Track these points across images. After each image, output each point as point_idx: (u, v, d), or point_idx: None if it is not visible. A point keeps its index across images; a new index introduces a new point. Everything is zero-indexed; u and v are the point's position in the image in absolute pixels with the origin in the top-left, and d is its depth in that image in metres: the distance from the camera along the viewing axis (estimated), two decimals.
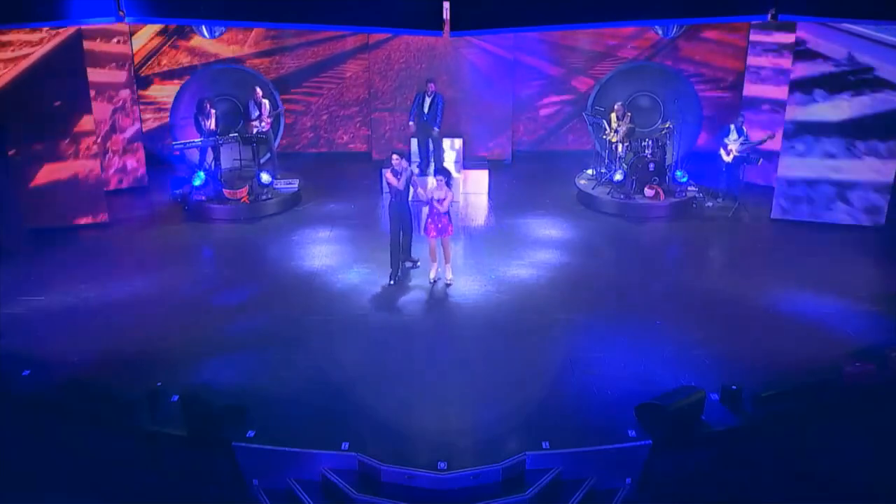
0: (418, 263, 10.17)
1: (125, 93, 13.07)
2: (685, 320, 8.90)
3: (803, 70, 11.28)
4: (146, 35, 14.13)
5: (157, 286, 9.83)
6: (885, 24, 10.13)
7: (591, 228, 11.89)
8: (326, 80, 15.07)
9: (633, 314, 9.07)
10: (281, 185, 12.98)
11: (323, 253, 10.95)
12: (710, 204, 12.60)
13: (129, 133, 13.22)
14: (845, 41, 10.97)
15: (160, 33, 14.27)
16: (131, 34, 13.39)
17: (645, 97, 14.02)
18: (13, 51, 10.92)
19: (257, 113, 12.90)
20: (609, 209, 12.43)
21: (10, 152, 10.99)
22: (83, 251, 10.92)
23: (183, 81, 14.17)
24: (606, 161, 13.16)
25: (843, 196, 11.55)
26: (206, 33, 13.41)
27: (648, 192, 12.41)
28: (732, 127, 12.36)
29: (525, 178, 14.18)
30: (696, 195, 12.66)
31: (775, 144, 12.02)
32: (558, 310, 9.23)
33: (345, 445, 6.74)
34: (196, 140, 12.66)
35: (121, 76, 12.98)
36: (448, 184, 9.50)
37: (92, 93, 11.98)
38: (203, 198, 12.40)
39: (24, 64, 11.00)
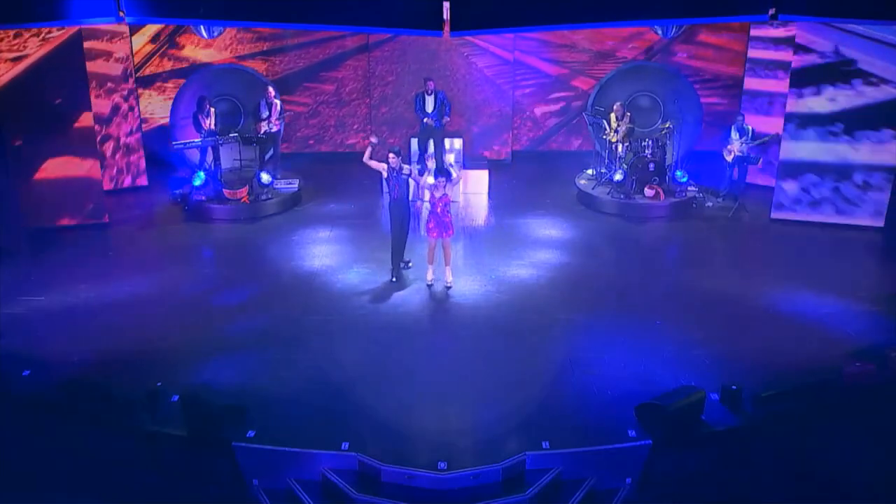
0: (410, 264, 10.16)
1: (125, 92, 13.07)
2: (685, 320, 8.90)
3: (801, 63, 11.31)
4: (137, 42, 14.08)
5: (157, 286, 9.82)
6: (885, 24, 10.13)
7: (591, 228, 11.89)
8: (326, 81, 15.07)
9: (633, 314, 9.06)
10: (281, 185, 12.98)
11: (323, 253, 10.95)
12: (710, 204, 12.60)
13: (129, 133, 13.22)
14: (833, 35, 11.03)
15: (152, 41, 14.23)
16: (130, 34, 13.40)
17: (645, 97, 14.02)
18: (11, 51, 10.93)
19: (267, 113, 12.89)
20: (609, 209, 12.43)
21: (17, 142, 10.95)
22: (83, 251, 10.92)
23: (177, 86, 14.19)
24: (606, 161, 13.16)
25: (843, 195, 11.57)
26: (204, 34, 13.41)
27: (648, 192, 12.41)
28: (733, 127, 12.37)
29: (525, 178, 14.17)
30: (696, 195, 12.66)
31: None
32: (558, 310, 9.23)
33: (345, 445, 6.74)
34: (196, 140, 12.65)
35: (121, 75, 12.98)
36: (447, 185, 9.48)
37: (92, 93, 11.98)
38: (203, 198, 12.40)
39: (24, 63, 11.00)
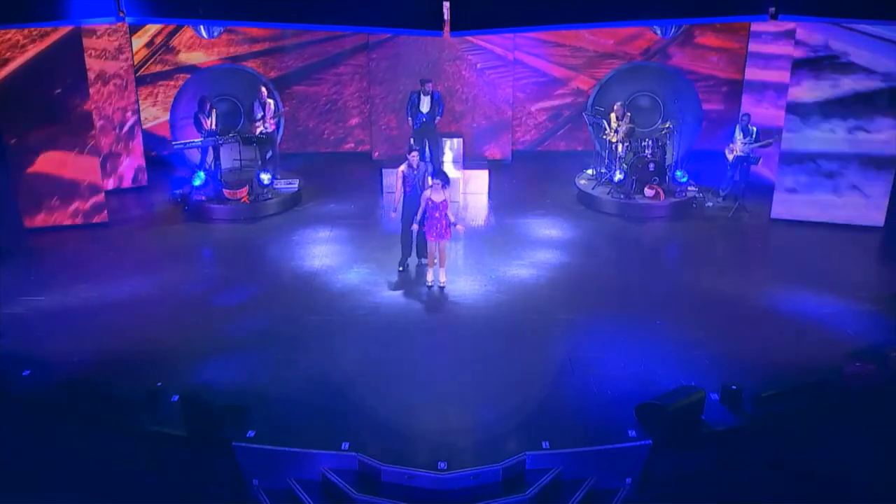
0: (423, 261, 10.16)
1: (126, 92, 13.07)
2: (685, 320, 8.90)
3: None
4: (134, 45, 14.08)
5: (157, 286, 9.82)
6: (886, 24, 10.13)
7: (591, 228, 11.89)
8: (326, 81, 15.06)
9: (633, 314, 9.06)
10: (281, 185, 12.98)
11: (323, 253, 10.95)
12: (710, 204, 12.60)
13: (129, 133, 13.22)
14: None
15: (147, 45, 14.22)
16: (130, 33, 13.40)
17: (645, 97, 14.02)
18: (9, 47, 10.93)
19: (261, 113, 12.88)
20: (609, 209, 12.43)
21: (12, 140, 10.95)
22: (83, 251, 10.92)
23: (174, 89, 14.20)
24: (606, 161, 13.16)
25: (844, 194, 11.57)
26: (204, 33, 13.41)
27: (648, 192, 12.41)
28: (738, 127, 12.37)
29: (525, 178, 14.18)
30: (697, 195, 12.66)
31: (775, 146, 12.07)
32: (558, 310, 9.23)
33: (345, 445, 6.74)
34: (196, 140, 12.65)
35: (121, 74, 12.98)
36: (445, 187, 9.48)
37: (92, 92, 11.99)
38: (203, 198, 12.40)
39: (22, 59, 10.98)
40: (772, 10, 7.08)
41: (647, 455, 6.78)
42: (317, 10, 7.40)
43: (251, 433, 6.86)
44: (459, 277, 9.96)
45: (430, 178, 9.72)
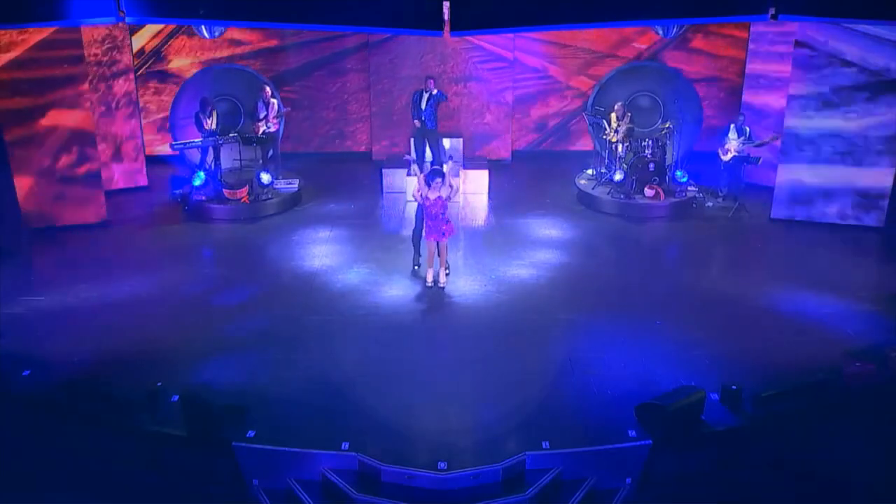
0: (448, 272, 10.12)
1: (126, 91, 13.07)
2: (685, 320, 8.90)
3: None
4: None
5: (157, 286, 9.82)
6: (886, 24, 10.13)
7: (591, 228, 11.89)
8: (326, 80, 15.06)
9: (633, 314, 9.06)
10: (281, 185, 12.99)
11: (323, 253, 10.95)
12: (710, 204, 12.61)
13: (128, 132, 13.22)
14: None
15: (138, 55, 14.22)
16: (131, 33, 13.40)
17: (645, 97, 14.02)
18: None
19: (265, 112, 12.88)
20: (609, 209, 12.44)
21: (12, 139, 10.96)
22: (83, 251, 10.92)
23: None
24: (606, 161, 13.16)
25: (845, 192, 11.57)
26: (205, 33, 13.40)
27: (648, 192, 12.41)
28: (732, 126, 12.37)
29: (525, 178, 14.18)
30: (696, 195, 12.67)
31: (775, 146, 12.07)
32: (558, 310, 9.23)
33: (345, 445, 6.74)
34: (196, 140, 12.65)
35: (122, 74, 12.99)
36: (443, 187, 9.41)
37: (91, 91, 12.00)
38: (203, 198, 12.40)
39: (18, 51, 10.98)
40: (772, 10, 7.08)
41: (647, 455, 6.78)
42: (317, 10, 7.40)
43: (251, 433, 6.86)
44: (459, 277, 9.96)
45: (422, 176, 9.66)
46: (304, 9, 7.39)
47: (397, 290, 9.74)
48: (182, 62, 14.58)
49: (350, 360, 8.12)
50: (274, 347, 8.38)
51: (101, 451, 7.16)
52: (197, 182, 12.46)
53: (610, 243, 11.36)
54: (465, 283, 9.88)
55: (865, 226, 11.47)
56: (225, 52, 14.63)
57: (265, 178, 12.67)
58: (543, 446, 6.73)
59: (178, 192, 12.72)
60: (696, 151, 13.59)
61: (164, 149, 14.01)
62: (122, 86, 13.02)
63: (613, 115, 12.84)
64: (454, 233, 9.71)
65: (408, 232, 10.68)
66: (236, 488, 6.81)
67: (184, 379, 7.58)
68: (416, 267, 10.11)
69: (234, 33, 14.39)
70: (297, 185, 13.04)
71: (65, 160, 11.49)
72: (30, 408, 7.42)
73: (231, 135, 12.77)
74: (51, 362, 7.94)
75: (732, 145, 12.29)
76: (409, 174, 12.92)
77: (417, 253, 10.13)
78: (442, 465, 6.48)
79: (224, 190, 12.32)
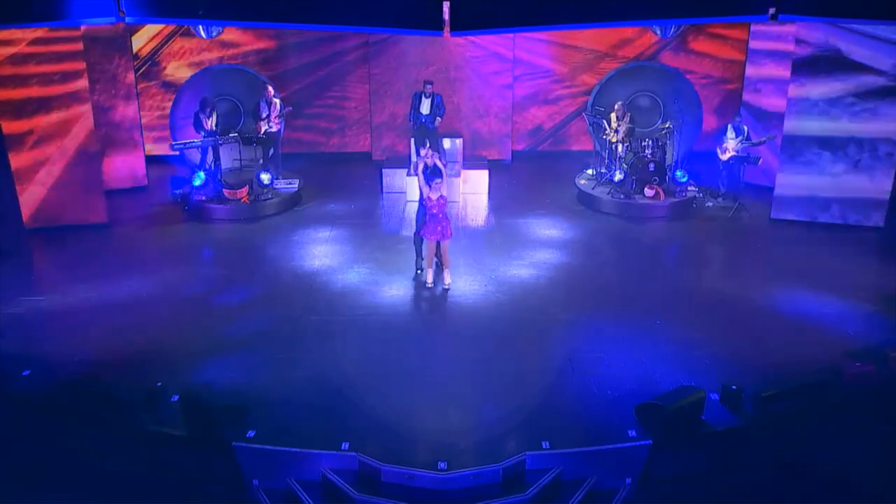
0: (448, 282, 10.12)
1: (126, 91, 13.08)
2: (685, 320, 8.90)
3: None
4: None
5: (157, 286, 9.82)
6: (886, 24, 10.13)
7: (591, 228, 11.90)
8: (326, 80, 15.06)
9: (632, 314, 9.06)
10: (281, 185, 12.99)
11: (323, 253, 10.95)
12: (710, 204, 12.61)
13: (128, 132, 13.23)
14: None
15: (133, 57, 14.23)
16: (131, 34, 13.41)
17: (645, 97, 14.03)
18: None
19: (267, 112, 12.88)
20: (609, 209, 12.44)
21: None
22: (83, 251, 10.92)
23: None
24: (606, 161, 13.16)
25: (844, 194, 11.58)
26: (203, 33, 13.41)
27: (648, 192, 12.41)
28: (730, 126, 12.37)
29: (525, 178, 14.18)
30: (696, 195, 12.67)
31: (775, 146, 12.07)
32: (558, 310, 9.23)
33: (345, 445, 6.73)
34: (196, 140, 12.65)
35: (122, 74, 12.99)
36: (442, 184, 9.41)
37: (91, 91, 11.99)
38: (203, 198, 12.40)
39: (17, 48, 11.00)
40: (772, 10, 7.09)
41: (647, 455, 6.78)
42: (317, 10, 7.42)
43: (251, 433, 6.86)
44: (459, 277, 9.95)
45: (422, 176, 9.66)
46: (305, 9, 7.40)
47: (397, 290, 9.74)
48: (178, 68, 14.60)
49: (350, 360, 8.11)
50: (274, 347, 8.38)
51: (101, 451, 7.16)
52: (197, 182, 12.46)
53: (610, 243, 11.36)
54: (465, 283, 9.88)
55: (865, 226, 11.47)
56: (221, 53, 14.64)
57: (265, 178, 12.67)
58: (543, 446, 6.73)
59: (178, 192, 12.72)
60: (696, 151, 13.60)
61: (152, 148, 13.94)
62: (122, 85, 13.01)
63: (613, 115, 12.84)
64: (451, 234, 9.68)
65: (408, 232, 10.67)
66: (236, 488, 6.81)
67: (184, 379, 7.58)
68: (418, 271, 10.06)
69: (234, 37, 14.42)
70: (297, 185, 13.04)
71: (65, 160, 11.48)
72: (30, 408, 7.42)
73: (231, 135, 12.78)
74: (51, 362, 7.93)
75: (730, 145, 12.29)
76: (409, 174, 12.93)
77: (420, 256, 10.08)
78: (442, 465, 6.48)
79: (224, 190, 12.32)
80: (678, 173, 12.63)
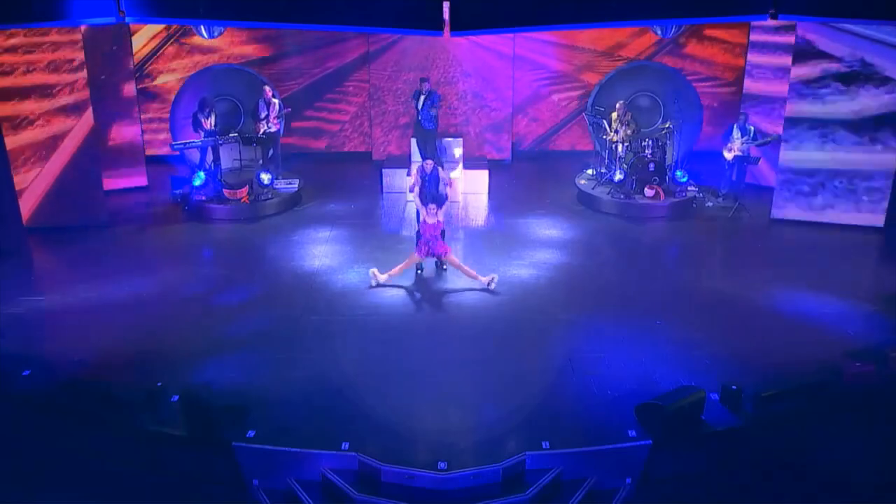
0: (445, 267, 10.14)
1: (127, 90, 13.07)
2: (685, 320, 8.90)
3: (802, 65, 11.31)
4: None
5: (157, 286, 9.82)
6: (885, 24, 10.13)
7: (591, 228, 11.90)
8: (326, 80, 15.05)
9: (632, 314, 9.06)
10: (281, 185, 12.98)
11: (323, 253, 10.95)
12: (710, 204, 12.61)
13: (129, 132, 13.23)
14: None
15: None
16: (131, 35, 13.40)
17: (645, 97, 14.02)
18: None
19: (266, 112, 12.88)
20: (609, 209, 12.43)
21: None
22: (83, 251, 10.92)
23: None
24: (606, 161, 13.16)
25: (845, 193, 11.56)
26: (204, 34, 13.40)
27: (648, 192, 12.41)
28: (735, 126, 12.37)
29: (525, 178, 14.18)
30: (696, 195, 12.67)
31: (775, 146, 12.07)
32: (558, 310, 9.23)
33: (345, 445, 6.73)
34: (196, 140, 12.65)
35: (122, 74, 12.99)
36: (438, 211, 9.58)
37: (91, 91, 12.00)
38: (203, 198, 12.40)
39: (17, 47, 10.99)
40: (771, 10, 7.09)
41: (647, 455, 6.78)
42: (317, 10, 7.42)
43: (251, 433, 6.86)
44: (460, 277, 9.95)
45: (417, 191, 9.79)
46: (305, 9, 7.40)
47: (397, 290, 9.74)
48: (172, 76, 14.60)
49: (350, 360, 8.11)
50: (274, 347, 8.38)
51: (101, 451, 7.16)
52: (197, 182, 12.47)
53: (610, 243, 11.36)
54: (465, 283, 9.87)
55: (865, 226, 11.46)
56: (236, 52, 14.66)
57: (265, 178, 12.67)
58: (543, 446, 6.72)
59: (178, 192, 12.72)
60: (697, 151, 13.60)
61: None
62: (122, 85, 13.00)
63: (614, 115, 12.84)
64: (448, 251, 9.73)
65: (408, 232, 10.67)
66: (236, 488, 6.80)
67: (184, 379, 7.57)
68: (419, 271, 10.09)
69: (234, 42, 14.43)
70: (297, 185, 13.04)
71: (65, 160, 11.47)
72: (30, 408, 7.42)
73: (231, 135, 12.77)
74: (51, 362, 7.94)
75: (736, 144, 12.30)
76: (409, 174, 12.94)
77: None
78: (442, 465, 6.48)
79: (224, 190, 12.32)
80: (678, 173, 12.62)
